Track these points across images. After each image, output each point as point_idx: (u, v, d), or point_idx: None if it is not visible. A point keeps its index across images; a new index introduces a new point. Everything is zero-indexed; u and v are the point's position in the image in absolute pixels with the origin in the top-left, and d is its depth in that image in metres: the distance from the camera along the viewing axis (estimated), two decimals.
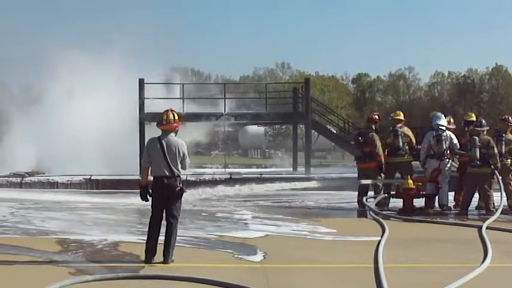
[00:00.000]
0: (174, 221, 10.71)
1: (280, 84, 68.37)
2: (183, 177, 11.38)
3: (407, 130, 19.15)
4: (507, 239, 13.42)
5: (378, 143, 18.62)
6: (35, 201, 20.54)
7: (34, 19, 45.16)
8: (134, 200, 17.42)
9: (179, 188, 10.65)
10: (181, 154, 10.72)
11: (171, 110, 10.98)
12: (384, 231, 13.61)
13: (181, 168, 10.75)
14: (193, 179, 25.33)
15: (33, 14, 45.58)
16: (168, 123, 10.81)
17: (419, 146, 18.83)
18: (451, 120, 18.90)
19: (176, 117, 10.89)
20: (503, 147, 17.97)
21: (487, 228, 13.95)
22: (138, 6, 42.96)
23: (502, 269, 10.59)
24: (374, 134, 18.83)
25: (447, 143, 17.97)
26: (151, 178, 10.85)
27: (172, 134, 10.83)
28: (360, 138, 18.79)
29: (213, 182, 24.69)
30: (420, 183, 18.04)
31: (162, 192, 10.66)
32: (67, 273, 9.77)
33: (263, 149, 77.37)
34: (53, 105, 33.52)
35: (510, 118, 19.02)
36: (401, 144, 18.61)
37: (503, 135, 18.23)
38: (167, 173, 10.59)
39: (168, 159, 10.59)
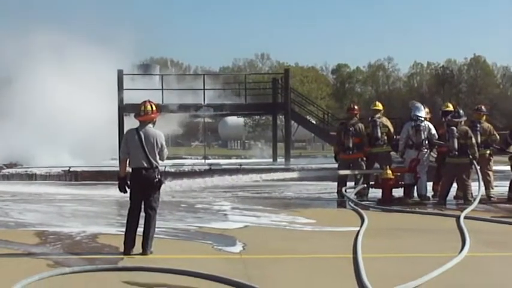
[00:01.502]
0: (152, 213, 10.69)
1: (260, 75, 68.20)
2: (162, 168, 11.35)
3: (385, 120, 19.23)
4: (485, 229, 13.49)
5: (365, 134, 18.76)
6: (13, 193, 20.42)
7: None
8: (113, 192, 17.34)
9: (157, 179, 10.64)
10: (160, 145, 10.70)
11: (149, 101, 10.94)
12: (362, 221, 13.65)
13: (160, 159, 10.75)
14: (172, 170, 25.26)
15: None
16: (146, 114, 10.78)
17: (398, 137, 18.91)
18: (427, 110, 18.93)
19: (154, 108, 10.86)
20: (479, 137, 18.07)
21: (465, 217, 14.02)
22: None
23: (479, 258, 10.63)
24: (362, 125, 18.93)
25: (425, 133, 18.04)
26: (129, 169, 10.83)
27: (150, 125, 10.80)
28: (351, 129, 18.77)
29: (193, 173, 24.55)
30: (399, 174, 18.10)
31: (141, 183, 10.63)
32: (45, 265, 9.74)
33: (243, 139, 77.31)
34: (27, 95, 33.03)
35: (483, 107, 19.21)
36: (379, 134, 18.67)
37: (478, 125, 18.35)
38: (145, 164, 10.57)
39: (146, 151, 10.56)
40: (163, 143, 10.85)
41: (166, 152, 10.90)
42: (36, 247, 11.31)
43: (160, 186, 10.76)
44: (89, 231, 12.89)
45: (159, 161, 10.77)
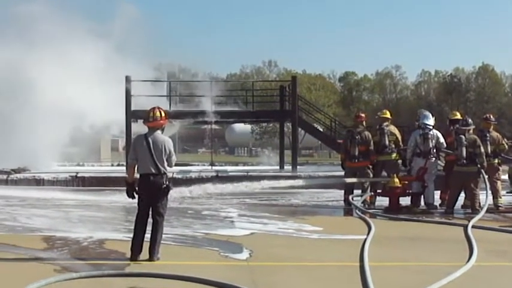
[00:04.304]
0: (160, 219, 10.70)
1: (267, 82, 68.26)
2: (170, 174, 11.37)
3: (393, 128, 19.21)
4: (492, 238, 13.45)
5: (372, 142, 18.72)
6: (21, 198, 20.45)
7: None
8: (120, 198, 17.34)
9: (165, 185, 10.65)
10: (168, 151, 10.71)
11: (158, 108, 10.98)
12: (369, 229, 13.61)
13: (168, 165, 10.76)
14: (179, 176, 25.26)
15: None
16: (155, 120, 10.81)
17: (405, 146, 18.88)
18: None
19: (163, 114, 10.89)
20: (489, 146, 17.98)
21: (473, 227, 13.97)
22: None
23: (487, 268, 10.60)
24: (369, 133, 18.91)
25: (434, 141, 18.02)
26: (137, 175, 10.85)
27: (159, 131, 10.82)
28: (357, 137, 18.75)
29: (200, 180, 24.51)
30: (406, 182, 18.07)
31: (148, 189, 10.64)
32: (52, 270, 9.74)
33: (250, 147, 77.40)
34: (35, 100, 32.77)
35: (491, 116, 19.09)
36: (387, 142, 18.66)
37: (487, 134, 18.25)
38: (153, 170, 10.58)
39: (154, 157, 10.58)
40: (172, 149, 10.87)
41: (174, 158, 10.92)
42: (44, 252, 11.32)
43: (168, 192, 10.75)
44: (96, 236, 12.90)
45: (167, 167, 10.79)
